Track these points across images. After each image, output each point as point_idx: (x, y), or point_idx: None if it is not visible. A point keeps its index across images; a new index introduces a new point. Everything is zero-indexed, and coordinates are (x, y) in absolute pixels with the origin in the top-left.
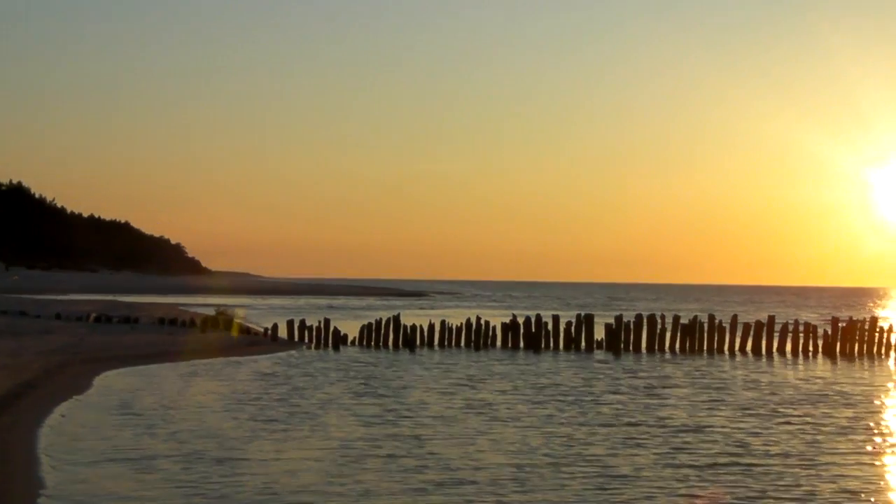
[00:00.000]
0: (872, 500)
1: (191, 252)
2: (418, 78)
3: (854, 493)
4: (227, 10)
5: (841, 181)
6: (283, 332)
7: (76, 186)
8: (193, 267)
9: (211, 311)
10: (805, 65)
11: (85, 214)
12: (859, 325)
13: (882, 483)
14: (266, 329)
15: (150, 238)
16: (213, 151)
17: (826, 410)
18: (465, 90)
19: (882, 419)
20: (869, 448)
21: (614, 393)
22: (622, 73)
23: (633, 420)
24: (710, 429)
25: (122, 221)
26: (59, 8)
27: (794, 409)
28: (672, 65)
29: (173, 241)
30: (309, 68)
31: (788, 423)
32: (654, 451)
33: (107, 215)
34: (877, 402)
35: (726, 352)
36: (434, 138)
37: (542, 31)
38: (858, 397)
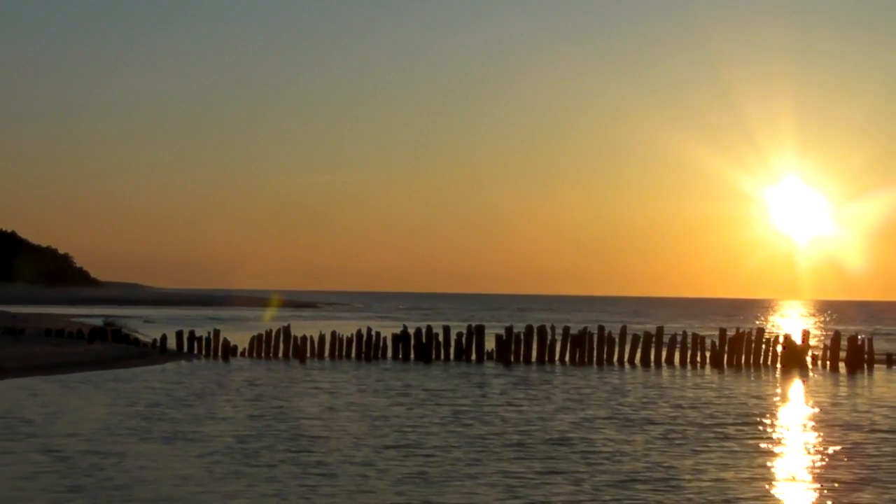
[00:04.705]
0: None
1: (79, 262)
2: (301, 90)
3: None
4: (110, 15)
5: (728, 196)
6: (172, 344)
7: None
8: (82, 277)
9: (99, 322)
10: (695, 81)
11: None
12: (746, 336)
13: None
14: (155, 340)
15: (38, 248)
16: (102, 161)
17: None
18: (346, 102)
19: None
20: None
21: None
22: (507, 83)
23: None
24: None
25: (9, 231)
26: None
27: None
28: (560, 77)
29: (61, 252)
30: (197, 78)
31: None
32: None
33: None
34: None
35: (615, 363)
36: (320, 150)
37: (424, 36)
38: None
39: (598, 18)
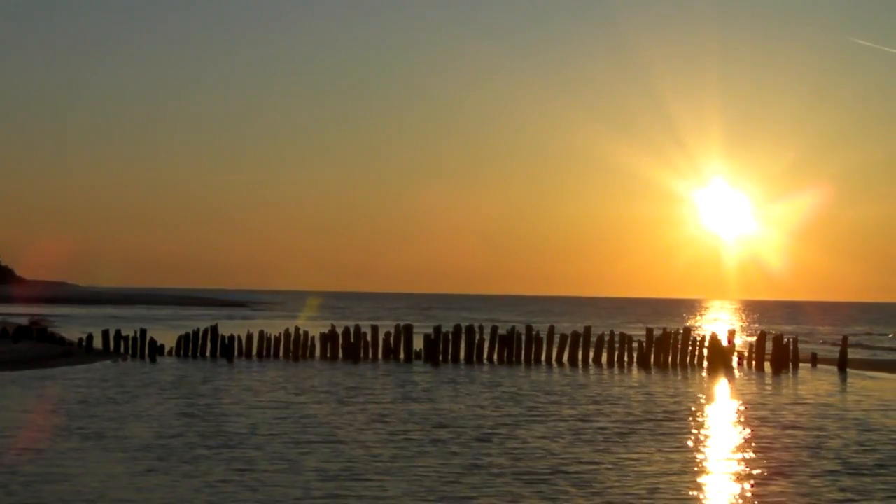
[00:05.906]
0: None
1: (4, 261)
2: (218, 89)
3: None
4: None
5: (656, 197)
6: (98, 343)
7: None
8: (6, 276)
9: (24, 321)
10: (622, 84)
11: None
12: (673, 335)
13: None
14: (81, 339)
15: None
16: (27, 158)
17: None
18: (258, 101)
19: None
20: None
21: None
22: (428, 83)
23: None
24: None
25: None
26: None
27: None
28: (484, 78)
29: None
30: (116, 77)
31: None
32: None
33: None
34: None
35: (543, 362)
36: (241, 148)
37: (335, 33)
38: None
39: (524, 21)
